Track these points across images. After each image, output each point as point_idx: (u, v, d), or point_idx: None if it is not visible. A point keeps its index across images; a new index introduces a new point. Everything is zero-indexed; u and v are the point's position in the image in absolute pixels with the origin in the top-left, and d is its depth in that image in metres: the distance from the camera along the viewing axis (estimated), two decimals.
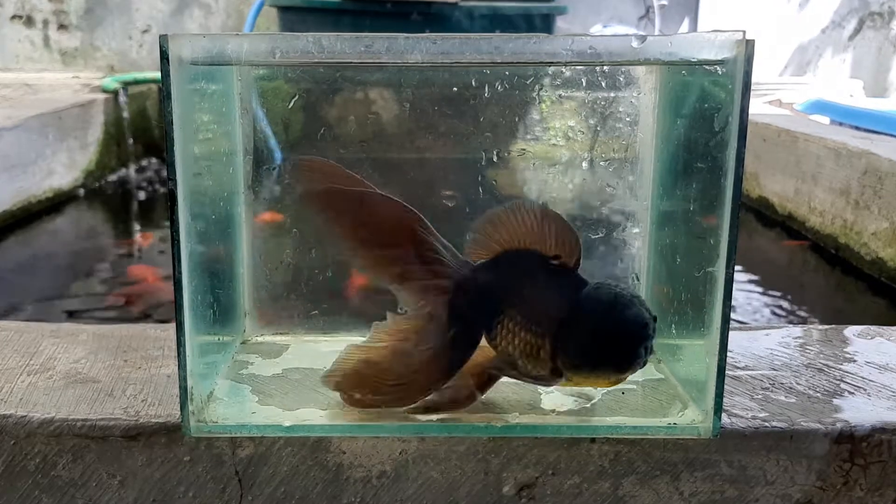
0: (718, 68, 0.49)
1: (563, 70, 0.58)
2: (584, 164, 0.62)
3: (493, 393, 0.54)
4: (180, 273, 0.48)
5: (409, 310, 0.52)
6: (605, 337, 0.49)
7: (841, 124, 2.27)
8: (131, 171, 2.34)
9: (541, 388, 0.55)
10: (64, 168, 2.01)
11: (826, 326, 0.70)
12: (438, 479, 0.52)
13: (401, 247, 0.51)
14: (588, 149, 0.61)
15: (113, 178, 2.26)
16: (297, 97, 0.60)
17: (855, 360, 0.63)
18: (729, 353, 0.53)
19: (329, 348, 0.62)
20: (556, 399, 0.55)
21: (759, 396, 0.56)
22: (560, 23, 2.37)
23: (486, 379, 0.53)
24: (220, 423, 0.51)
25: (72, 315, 1.30)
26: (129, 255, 1.70)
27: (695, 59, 0.50)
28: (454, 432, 0.51)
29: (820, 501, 0.53)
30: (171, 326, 0.51)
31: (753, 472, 0.52)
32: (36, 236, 1.76)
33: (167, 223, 0.50)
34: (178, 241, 0.48)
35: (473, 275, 0.51)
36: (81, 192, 2.08)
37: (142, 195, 2.20)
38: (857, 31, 3.51)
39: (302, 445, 0.51)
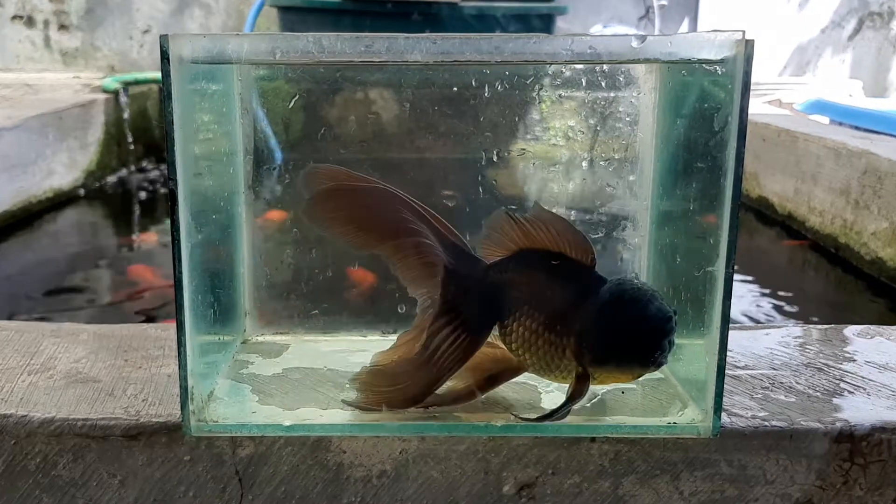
0: (718, 68, 0.49)
1: (563, 70, 0.58)
2: (584, 164, 0.62)
3: (493, 393, 0.54)
4: (181, 273, 0.49)
5: (418, 298, 0.52)
6: (631, 332, 0.49)
7: (840, 124, 2.27)
8: (132, 170, 2.35)
9: (541, 388, 0.55)
10: (64, 168, 2.01)
11: (826, 326, 0.70)
12: (438, 479, 0.52)
13: (407, 236, 0.51)
14: (588, 149, 0.61)
15: (113, 178, 2.26)
16: (297, 97, 0.60)
17: (855, 360, 0.63)
18: (729, 353, 0.53)
19: (329, 348, 0.63)
20: (556, 399, 0.55)
21: (759, 396, 0.56)
22: (560, 23, 2.38)
23: (490, 379, 0.53)
24: (220, 422, 0.51)
25: (72, 315, 1.30)
26: (129, 253, 1.70)
27: (694, 59, 0.50)
28: (454, 432, 0.51)
29: (820, 501, 0.53)
30: (172, 326, 0.51)
31: (753, 472, 0.52)
32: (36, 236, 1.77)
33: (168, 223, 0.51)
34: (179, 241, 0.48)
35: (487, 273, 0.52)
36: (82, 192, 2.08)
37: (142, 195, 2.20)
38: (857, 31, 3.51)
39: (302, 445, 0.51)
